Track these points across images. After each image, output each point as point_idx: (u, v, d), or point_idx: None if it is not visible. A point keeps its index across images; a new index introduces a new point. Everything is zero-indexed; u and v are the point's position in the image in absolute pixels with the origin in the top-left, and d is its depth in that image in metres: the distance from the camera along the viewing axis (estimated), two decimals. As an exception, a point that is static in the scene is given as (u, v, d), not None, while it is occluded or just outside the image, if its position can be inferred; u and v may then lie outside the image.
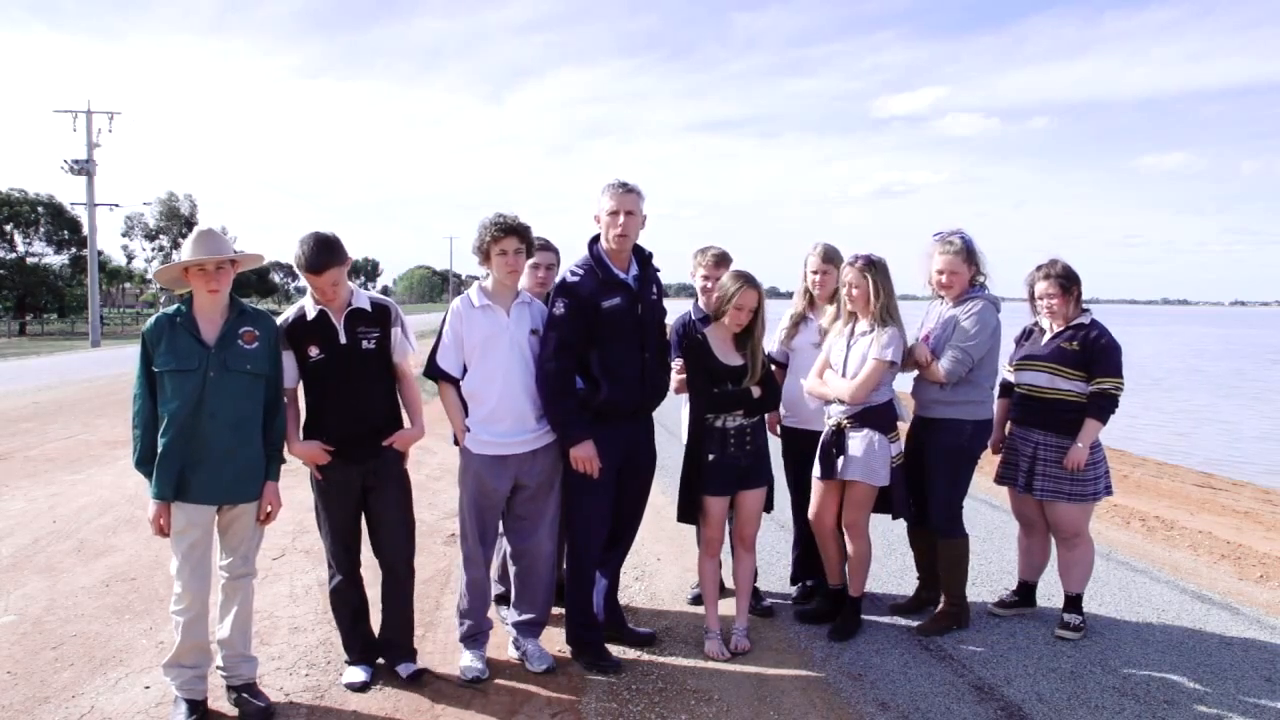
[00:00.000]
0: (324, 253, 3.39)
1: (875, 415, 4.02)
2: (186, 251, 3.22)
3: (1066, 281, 4.15)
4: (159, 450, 3.18)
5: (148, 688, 3.53)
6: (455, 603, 3.85)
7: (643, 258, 3.85)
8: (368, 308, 3.57)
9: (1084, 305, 4.25)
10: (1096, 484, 4.15)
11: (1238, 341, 54.89)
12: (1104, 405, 4.07)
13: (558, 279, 3.84)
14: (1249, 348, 46.82)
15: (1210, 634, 4.22)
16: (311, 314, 3.50)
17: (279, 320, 3.53)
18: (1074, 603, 4.22)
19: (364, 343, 3.52)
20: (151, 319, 3.28)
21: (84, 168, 32.38)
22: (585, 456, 3.66)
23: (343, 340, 3.49)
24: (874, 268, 3.99)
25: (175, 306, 3.28)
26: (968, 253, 4.20)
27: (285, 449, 3.52)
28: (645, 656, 3.89)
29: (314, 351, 3.48)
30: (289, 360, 3.49)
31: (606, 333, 3.70)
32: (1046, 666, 3.82)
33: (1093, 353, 4.09)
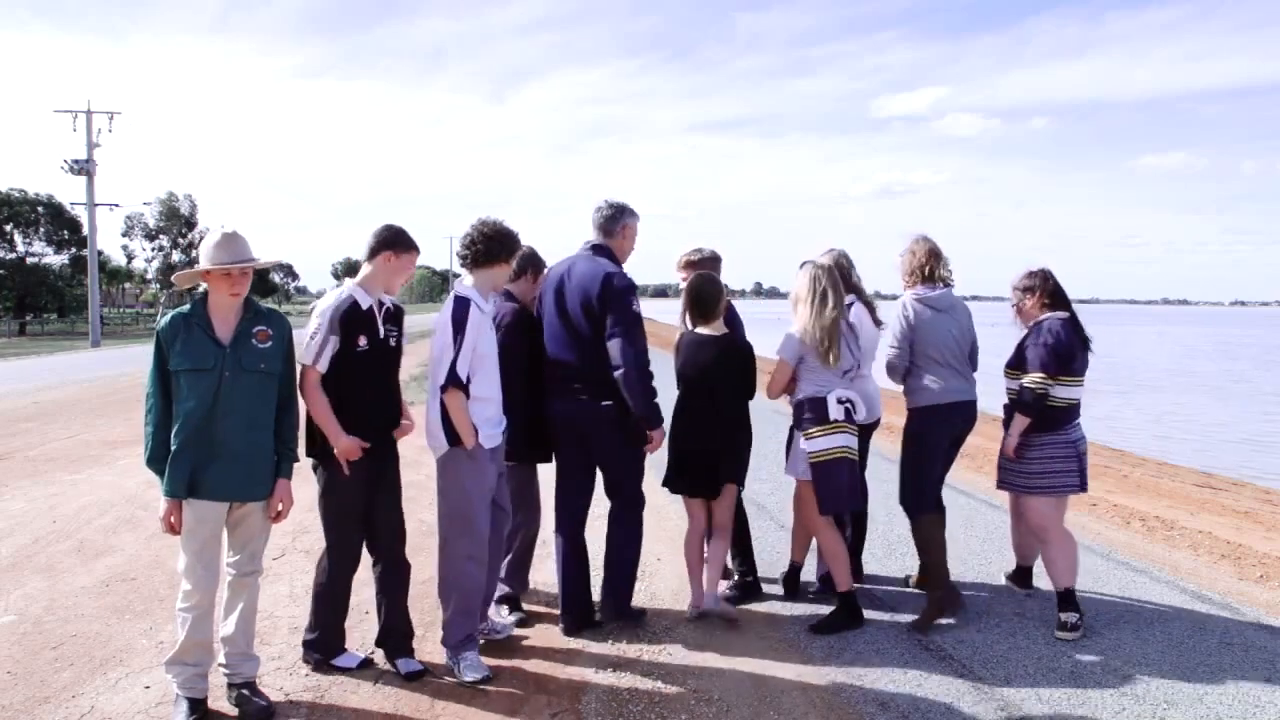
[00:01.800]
0: (411, 237, 3.69)
1: (796, 411, 4.27)
2: (211, 255, 3.21)
3: (1023, 290, 4.45)
4: (172, 448, 3.18)
5: (148, 688, 3.54)
6: (453, 605, 3.78)
7: None
8: (392, 306, 3.70)
9: (1069, 305, 4.42)
10: (1056, 478, 4.27)
11: (1233, 342, 54.90)
12: (1025, 400, 4.25)
13: (618, 278, 4.08)
14: (1243, 348, 46.83)
15: (1210, 634, 4.22)
16: (365, 303, 3.56)
17: (334, 301, 3.53)
18: (1065, 599, 4.21)
19: (391, 339, 3.65)
20: (166, 317, 3.26)
21: (84, 168, 32.39)
22: (663, 435, 4.15)
23: (380, 334, 3.58)
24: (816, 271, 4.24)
25: (189, 305, 3.27)
26: (905, 252, 4.54)
27: (316, 445, 3.57)
28: (645, 656, 3.89)
29: (362, 342, 3.53)
30: (332, 346, 3.49)
31: None
32: (1046, 666, 3.82)
33: (1030, 351, 4.30)
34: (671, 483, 4.39)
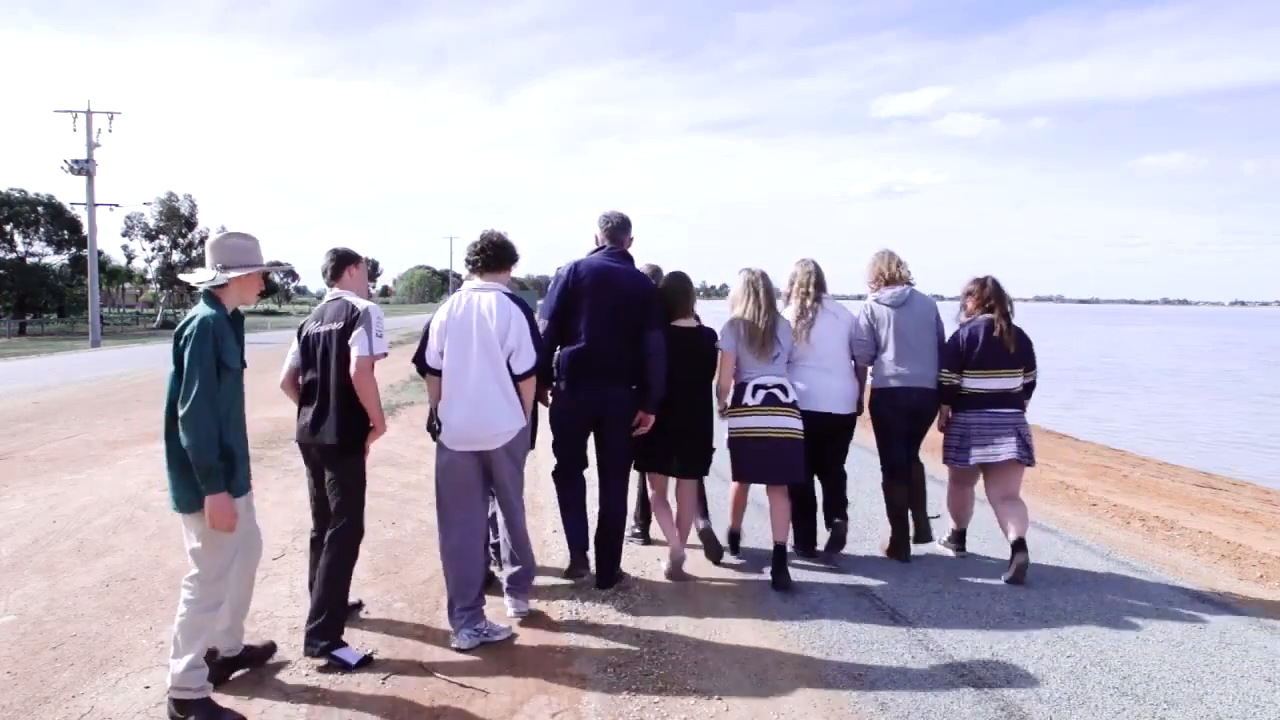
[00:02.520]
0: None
1: None
2: (259, 256, 3.46)
3: (965, 294, 5.24)
4: (235, 448, 3.28)
5: (148, 688, 3.54)
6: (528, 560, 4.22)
7: None
8: None
9: (1003, 309, 5.08)
10: (946, 452, 5.21)
11: (1232, 342, 54.89)
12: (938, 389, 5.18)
13: (649, 281, 4.79)
14: (1239, 348, 46.82)
15: (1210, 634, 4.22)
16: None
17: (374, 305, 3.90)
18: (956, 536, 5.47)
19: None
20: (211, 314, 3.25)
21: (84, 168, 32.35)
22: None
23: None
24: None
25: (219, 305, 3.32)
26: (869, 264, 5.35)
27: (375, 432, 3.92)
28: (645, 656, 3.89)
29: None
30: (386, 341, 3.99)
31: None
32: (1046, 666, 3.82)
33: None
34: (655, 463, 4.87)
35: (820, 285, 5.15)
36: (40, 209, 46.60)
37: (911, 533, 5.27)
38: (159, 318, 51.93)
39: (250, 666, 3.67)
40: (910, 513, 5.23)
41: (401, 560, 5.21)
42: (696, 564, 5.12)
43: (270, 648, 3.79)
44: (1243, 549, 5.78)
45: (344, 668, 3.68)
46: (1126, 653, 3.98)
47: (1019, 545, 4.85)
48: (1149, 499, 7.57)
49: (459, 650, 3.91)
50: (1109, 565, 5.30)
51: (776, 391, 4.78)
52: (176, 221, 55.50)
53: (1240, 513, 7.20)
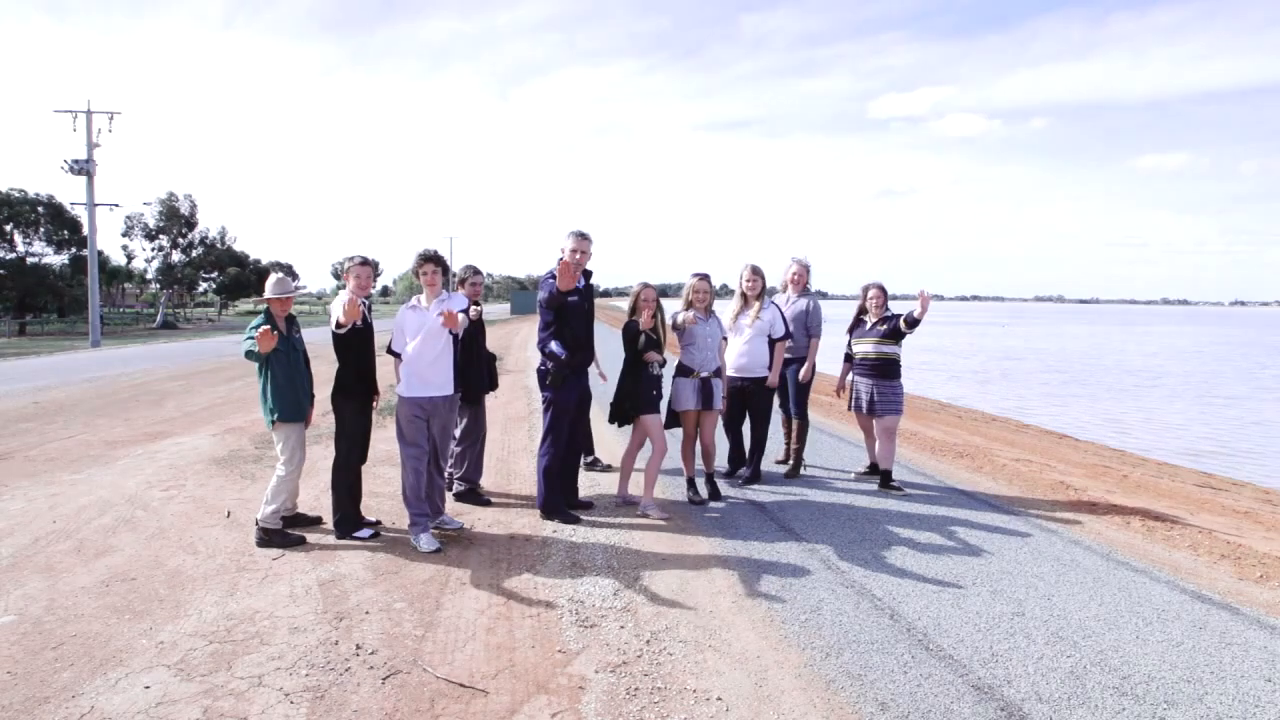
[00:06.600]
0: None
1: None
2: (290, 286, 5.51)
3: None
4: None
5: (148, 688, 3.54)
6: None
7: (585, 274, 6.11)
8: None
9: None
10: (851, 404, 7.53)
11: (1222, 342, 54.83)
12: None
13: (538, 288, 6.04)
14: (1235, 348, 46.77)
15: (1210, 634, 4.22)
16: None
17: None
18: (885, 477, 7.13)
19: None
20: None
21: (84, 168, 32.33)
22: (564, 364, 6.07)
23: (368, 319, 5.90)
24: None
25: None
26: (795, 271, 7.57)
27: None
28: (645, 656, 3.89)
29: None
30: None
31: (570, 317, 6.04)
32: (1046, 666, 3.82)
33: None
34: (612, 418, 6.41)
35: (714, 292, 6.90)
36: (40, 209, 46.57)
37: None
38: (159, 318, 51.86)
39: (300, 525, 5.76)
40: (797, 448, 7.55)
41: (401, 560, 5.21)
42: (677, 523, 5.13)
43: (317, 519, 5.89)
44: (1243, 549, 5.78)
45: (358, 537, 5.56)
46: (1126, 653, 3.98)
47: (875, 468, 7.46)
48: (1149, 499, 7.56)
49: (422, 551, 5.24)
50: (1109, 565, 5.30)
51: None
52: (176, 221, 55.49)
53: (1240, 513, 7.20)
